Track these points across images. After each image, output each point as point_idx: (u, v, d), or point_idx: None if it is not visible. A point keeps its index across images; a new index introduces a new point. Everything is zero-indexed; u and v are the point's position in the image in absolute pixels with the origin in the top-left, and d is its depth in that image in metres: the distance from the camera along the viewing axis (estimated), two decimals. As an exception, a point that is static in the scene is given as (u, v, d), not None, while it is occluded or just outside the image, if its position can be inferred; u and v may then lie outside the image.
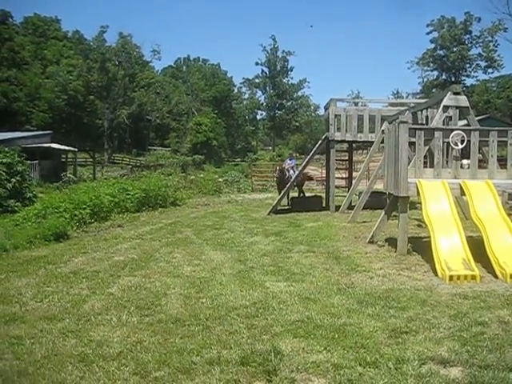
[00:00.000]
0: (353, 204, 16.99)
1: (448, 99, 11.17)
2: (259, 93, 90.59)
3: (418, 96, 71.04)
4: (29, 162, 23.45)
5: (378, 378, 4.36)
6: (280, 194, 19.13)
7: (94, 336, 5.51)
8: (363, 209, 15.25)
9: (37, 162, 30.28)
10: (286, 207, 19.19)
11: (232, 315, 6.12)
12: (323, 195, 20.79)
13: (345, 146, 22.59)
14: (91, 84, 70.63)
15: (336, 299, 6.74)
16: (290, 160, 21.27)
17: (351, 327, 5.63)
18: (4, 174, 17.49)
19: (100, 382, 4.40)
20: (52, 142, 35.16)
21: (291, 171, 19.91)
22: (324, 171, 26.49)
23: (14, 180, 17.65)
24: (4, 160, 18.09)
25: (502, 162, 10.78)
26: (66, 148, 36.39)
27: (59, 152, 36.24)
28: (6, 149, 19.51)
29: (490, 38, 74.61)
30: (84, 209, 14.80)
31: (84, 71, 69.76)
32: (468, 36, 76.74)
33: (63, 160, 38.08)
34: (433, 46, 78.15)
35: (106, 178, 29.11)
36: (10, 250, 10.75)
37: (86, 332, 5.64)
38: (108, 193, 17.42)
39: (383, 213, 11.30)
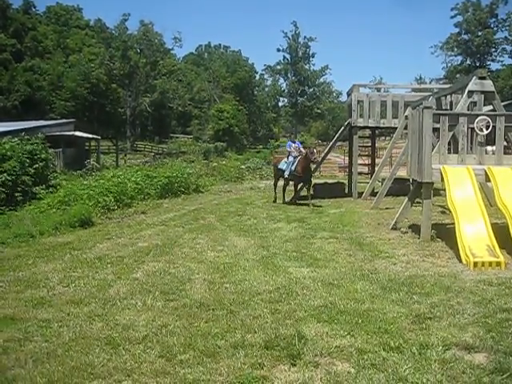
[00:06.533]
0: (375, 191, 16.92)
1: (473, 84, 11.01)
2: (281, 79, 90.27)
3: (441, 82, 70.15)
4: (53, 150, 23.69)
5: (401, 363, 4.36)
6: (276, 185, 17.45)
7: (120, 320, 5.59)
8: (386, 195, 15.19)
9: (60, 149, 30.51)
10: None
11: (256, 300, 6.16)
12: (346, 182, 20.74)
13: (367, 132, 22.49)
14: (113, 72, 70.99)
15: (359, 285, 6.74)
16: (295, 143, 17.56)
17: (375, 312, 5.63)
18: (28, 160, 17.70)
19: (126, 365, 4.47)
20: (75, 130, 35.39)
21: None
22: (346, 158, 26.38)
23: (37, 166, 17.87)
24: (28, 147, 18.32)
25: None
26: (90, 136, 36.64)
27: (82, 140, 36.50)
28: (28, 136, 19.71)
29: (516, 22, 73.26)
30: (108, 196, 14.94)
31: (106, 59, 70.10)
32: (494, 19, 75.47)
33: (86, 148, 38.32)
34: (457, 30, 77.04)
35: (128, 166, 29.35)
36: (36, 236, 10.91)
37: (112, 316, 5.73)
38: (132, 180, 17.57)
39: (406, 199, 11.23)
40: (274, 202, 17.10)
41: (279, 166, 17.14)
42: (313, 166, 16.99)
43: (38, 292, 6.71)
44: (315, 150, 16.49)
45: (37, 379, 4.23)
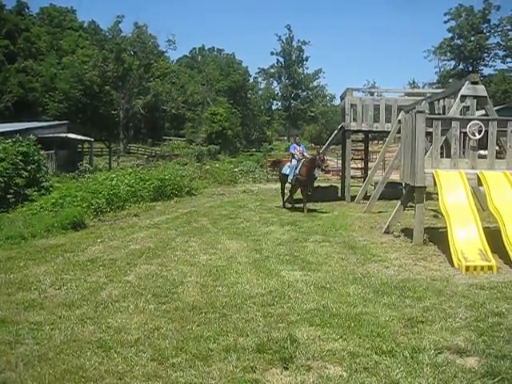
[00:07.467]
0: (368, 194, 16.95)
1: (466, 89, 11.05)
2: (275, 83, 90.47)
3: (434, 86, 70.44)
4: (45, 151, 23.58)
5: (394, 367, 4.37)
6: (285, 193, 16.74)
7: (112, 323, 5.58)
8: (379, 199, 15.21)
9: (53, 151, 30.42)
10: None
11: (248, 303, 6.16)
12: (339, 185, 20.75)
13: (360, 136, 22.52)
14: (107, 74, 70.68)
15: (352, 288, 6.75)
16: (299, 146, 16.51)
17: (367, 316, 5.64)
18: (21, 163, 17.64)
19: (118, 368, 4.45)
20: (68, 132, 35.29)
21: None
22: (339, 162, 26.40)
23: (29, 167, 17.82)
24: (20, 149, 18.24)
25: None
26: (82, 138, 36.57)
27: (75, 142, 36.40)
28: (20, 138, 19.62)
29: (509, 27, 73.64)
30: (100, 198, 14.89)
31: (99, 61, 69.77)
32: (486, 25, 75.80)
33: (79, 150, 38.26)
34: (450, 35, 77.37)
35: (121, 168, 29.27)
36: (28, 238, 10.86)
37: (103, 319, 5.71)
38: (125, 182, 17.52)
39: (399, 203, 11.26)
40: (283, 207, 16.55)
41: (283, 171, 16.44)
42: (318, 172, 15.45)
43: (29, 294, 6.68)
44: (326, 158, 15.64)
45: (28, 382, 4.21)
